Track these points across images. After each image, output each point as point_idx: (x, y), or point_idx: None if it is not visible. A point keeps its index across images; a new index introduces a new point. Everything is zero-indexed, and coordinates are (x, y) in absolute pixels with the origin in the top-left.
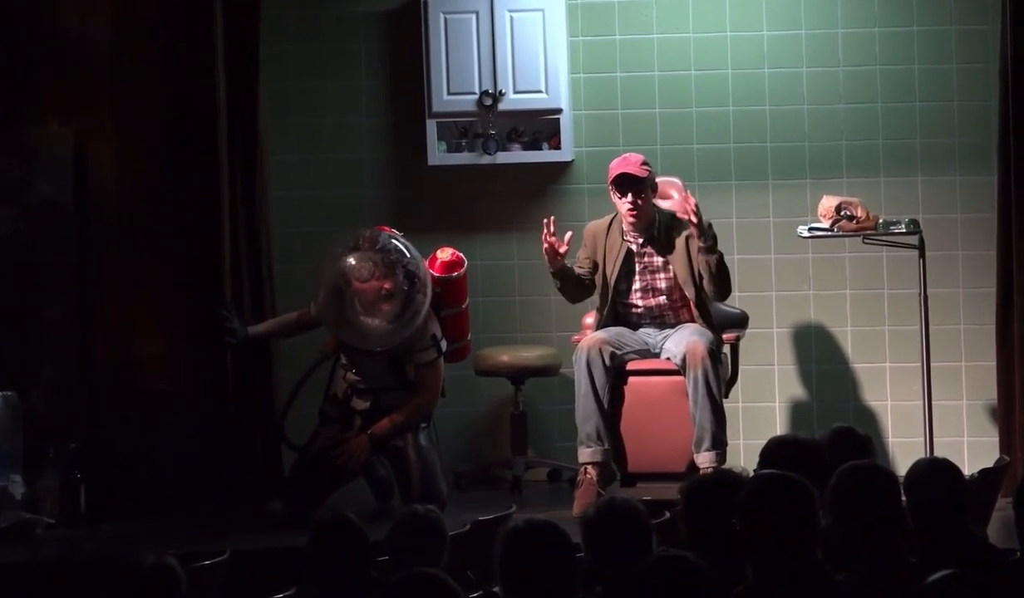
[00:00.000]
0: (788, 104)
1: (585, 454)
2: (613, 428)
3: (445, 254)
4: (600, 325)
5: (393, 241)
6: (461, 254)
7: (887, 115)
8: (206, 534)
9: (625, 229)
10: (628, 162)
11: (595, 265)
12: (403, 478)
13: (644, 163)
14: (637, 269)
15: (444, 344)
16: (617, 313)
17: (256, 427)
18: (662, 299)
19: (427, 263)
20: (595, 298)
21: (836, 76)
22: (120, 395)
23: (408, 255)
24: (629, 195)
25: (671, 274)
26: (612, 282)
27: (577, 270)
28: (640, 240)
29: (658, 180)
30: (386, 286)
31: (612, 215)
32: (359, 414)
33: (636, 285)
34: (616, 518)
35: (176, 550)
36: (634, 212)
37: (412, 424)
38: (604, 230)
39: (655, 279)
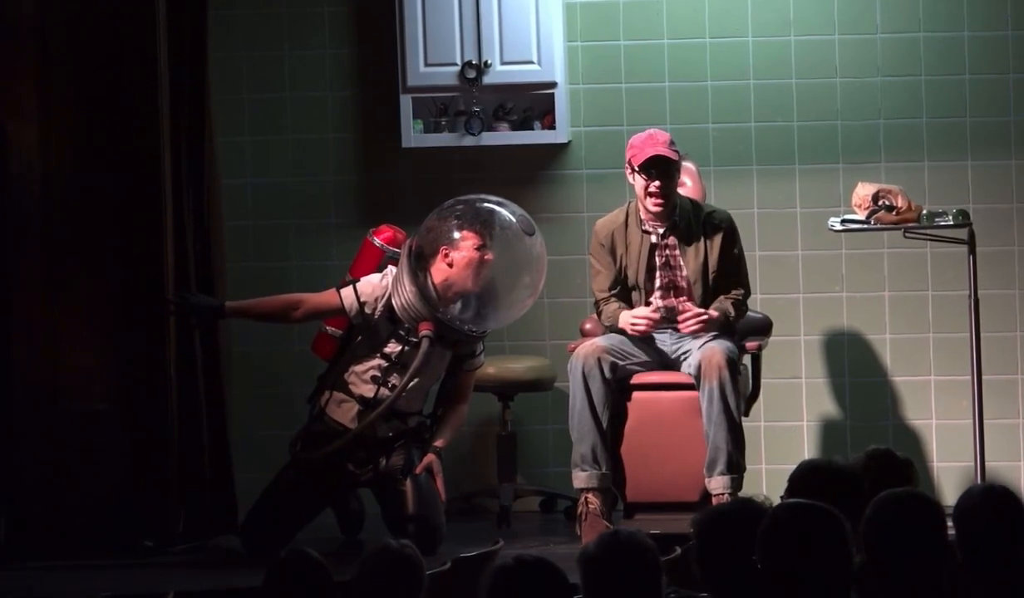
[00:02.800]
0: (817, 77)
1: (580, 479)
2: (614, 449)
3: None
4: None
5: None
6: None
7: (931, 89)
8: (146, 575)
9: (644, 218)
10: (657, 141)
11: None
12: (394, 508)
13: (672, 143)
14: (658, 264)
15: None
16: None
17: (204, 451)
18: (685, 299)
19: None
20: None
21: (873, 44)
22: (43, 415)
23: None
24: (657, 181)
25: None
26: (642, 283)
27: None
28: (661, 230)
29: None
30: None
31: (625, 206)
32: (373, 444)
33: (657, 282)
34: (620, 554)
35: (111, 594)
36: (659, 200)
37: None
38: (621, 225)
39: (676, 276)
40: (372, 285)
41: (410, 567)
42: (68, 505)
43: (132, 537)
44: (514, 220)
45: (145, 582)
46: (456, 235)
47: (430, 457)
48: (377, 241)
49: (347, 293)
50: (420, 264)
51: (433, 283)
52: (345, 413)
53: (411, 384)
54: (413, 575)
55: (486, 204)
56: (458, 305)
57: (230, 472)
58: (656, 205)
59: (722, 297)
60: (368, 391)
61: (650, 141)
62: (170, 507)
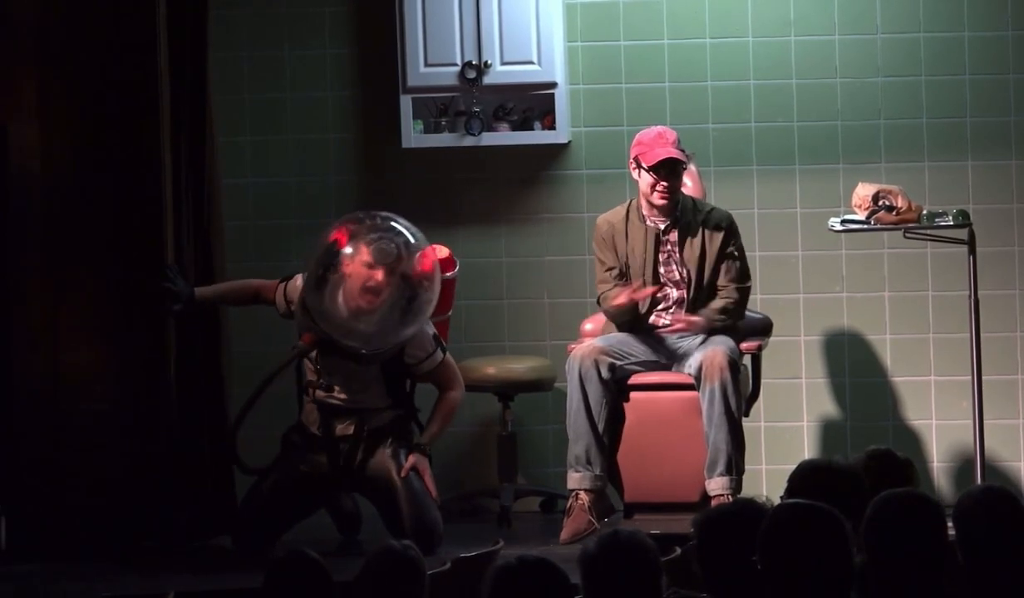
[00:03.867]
0: (818, 77)
1: (573, 480)
2: (612, 451)
3: (436, 250)
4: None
5: (402, 228)
6: (452, 253)
7: (932, 89)
8: (146, 575)
9: (646, 213)
10: (667, 141)
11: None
12: (390, 510)
13: (679, 142)
14: (660, 259)
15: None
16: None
17: (205, 451)
18: (685, 295)
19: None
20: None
21: (873, 45)
22: (45, 415)
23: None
24: (666, 181)
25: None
26: (649, 275)
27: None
28: (663, 225)
29: None
30: (378, 278)
31: (627, 203)
32: (341, 440)
33: (660, 278)
34: (620, 554)
35: (111, 593)
36: (666, 196)
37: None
38: (622, 219)
39: (675, 272)
40: (298, 287)
41: (412, 568)
42: (68, 505)
43: (133, 537)
44: (376, 247)
45: (146, 582)
46: (349, 250)
47: (413, 458)
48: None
49: (280, 289)
50: (319, 274)
51: (327, 295)
52: (308, 415)
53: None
54: (415, 576)
55: (388, 223)
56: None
57: (231, 472)
58: (662, 198)
59: (712, 305)
60: (321, 395)
61: (660, 140)
62: (170, 507)
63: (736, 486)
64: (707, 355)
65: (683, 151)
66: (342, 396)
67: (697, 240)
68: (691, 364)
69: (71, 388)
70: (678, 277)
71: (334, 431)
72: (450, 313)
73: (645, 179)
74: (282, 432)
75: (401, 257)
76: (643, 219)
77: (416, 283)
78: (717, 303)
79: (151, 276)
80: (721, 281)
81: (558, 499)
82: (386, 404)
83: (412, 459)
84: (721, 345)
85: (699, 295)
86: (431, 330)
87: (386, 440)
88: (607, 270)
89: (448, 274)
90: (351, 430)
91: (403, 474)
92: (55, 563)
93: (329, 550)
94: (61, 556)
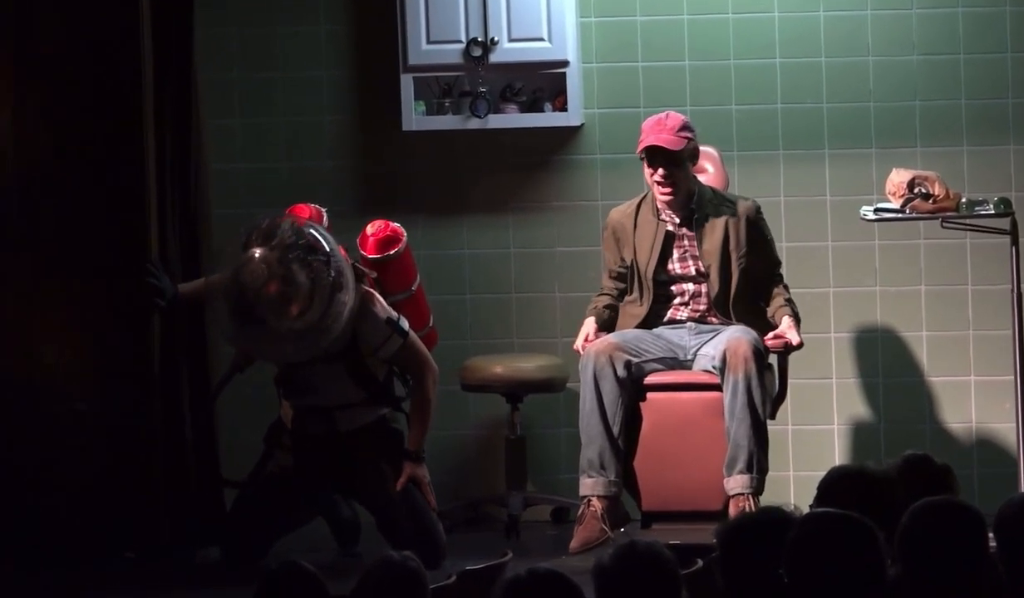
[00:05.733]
0: (848, 55)
1: (585, 486)
2: (628, 456)
3: (375, 228)
4: (642, 325)
5: (298, 230)
6: (398, 226)
7: (971, 69)
8: (126, 588)
9: (660, 207)
10: (662, 127)
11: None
12: (388, 523)
13: (683, 128)
14: (676, 255)
15: (405, 322)
16: (659, 312)
17: (191, 454)
18: (704, 289)
19: (359, 241)
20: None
21: (908, 20)
22: (18, 416)
23: (322, 245)
24: (660, 169)
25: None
26: (649, 273)
27: (610, 289)
28: (676, 219)
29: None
30: (274, 288)
31: (641, 195)
32: (313, 439)
33: (676, 272)
34: (637, 567)
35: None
36: (667, 190)
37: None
38: (632, 214)
39: (693, 268)
40: None
41: (413, 580)
42: (46, 510)
43: (113, 547)
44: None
45: (125, 597)
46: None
47: (408, 469)
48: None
49: None
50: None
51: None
52: (285, 412)
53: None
54: (416, 589)
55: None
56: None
57: (218, 476)
58: (664, 194)
59: (778, 302)
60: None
61: (656, 127)
62: (154, 515)
63: (758, 486)
64: (730, 345)
65: (688, 137)
66: (312, 395)
67: (718, 233)
68: (713, 355)
69: (48, 388)
70: (694, 273)
71: (307, 430)
72: (416, 285)
73: (646, 170)
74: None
75: (272, 231)
76: (656, 213)
77: (338, 282)
78: (782, 295)
79: (134, 270)
80: (759, 273)
81: (570, 508)
82: (360, 398)
83: (408, 469)
84: (744, 335)
85: (723, 292)
86: (385, 314)
87: (371, 444)
88: (607, 269)
89: (394, 251)
90: (325, 429)
91: (399, 486)
92: (29, 574)
93: (325, 562)
94: (35, 567)
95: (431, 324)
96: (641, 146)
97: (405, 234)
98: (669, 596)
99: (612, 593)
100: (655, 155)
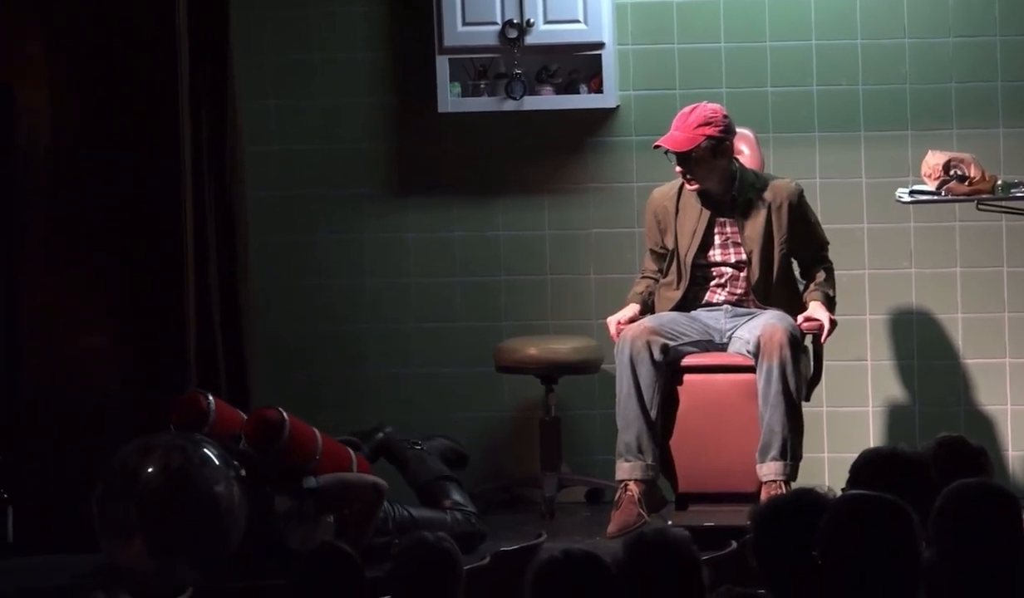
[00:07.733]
0: (884, 37)
1: (623, 470)
2: (664, 438)
3: (250, 425)
4: (677, 308)
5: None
6: (279, 411)
7: (1008, 50)
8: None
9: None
10: (681, 123)
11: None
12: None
13: (705, 124)
14: (717, 241)
15: (313, 481)
16: (696, 295)
17: None
18: (744, 274)
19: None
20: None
21: (944, 2)
22: (55, 399)
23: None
24: (676, 165)
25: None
26: (689, 260)
27: (652, 272)
28: (718, 206)
29: None
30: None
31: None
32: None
33: (716, 259)
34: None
35: (129, 587)
36: (690, 184)
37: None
38: (674, 195)
39: (735, 254)
40: None
41: (447, 561)
42: (78, 497)
43: None
44: None
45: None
46: None
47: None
48: None
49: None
50: None
51: None
52: None
53: None
54: (450, 570)
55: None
56: None
57: None
58: (690, 184)
59: (812, 285)
60: None
61: (676, 121)
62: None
63: (791, 473)
64: (766, 331)
65: (707, 134)
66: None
67: (760, 218)
68: (748, 340)
69: (80, 373)
70: (735, 260)
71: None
72: (317, 457)
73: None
74: None
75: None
76: (698, 198)
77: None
78: (820, 276)
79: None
80: (804, 255)
81: (606, 489)
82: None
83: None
84: (780, 321)
85: (762, 276)
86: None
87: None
88: (649, 249)
89: (281, 438)
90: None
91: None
92: (66, 555)
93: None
94: (73, 548)
95: (354, 456)
96: (655, 142)
97: (286, 420)
98: (687, 579)
99: (633, 581)
100: (669, 150)
